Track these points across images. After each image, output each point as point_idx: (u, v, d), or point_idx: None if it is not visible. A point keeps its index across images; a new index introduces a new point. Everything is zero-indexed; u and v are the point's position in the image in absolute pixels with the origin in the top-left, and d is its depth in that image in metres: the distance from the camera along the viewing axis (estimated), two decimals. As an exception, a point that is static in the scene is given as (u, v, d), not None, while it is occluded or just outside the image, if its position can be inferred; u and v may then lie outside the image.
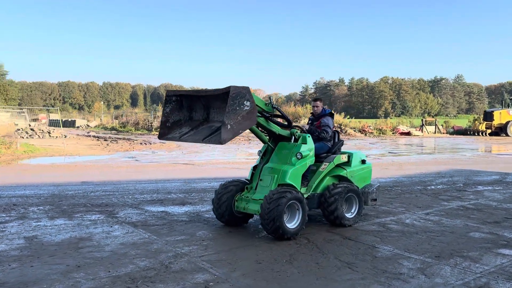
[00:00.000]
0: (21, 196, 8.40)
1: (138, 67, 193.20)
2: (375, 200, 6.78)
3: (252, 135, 6.09)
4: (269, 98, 5.80)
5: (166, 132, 5.61)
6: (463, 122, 51.34)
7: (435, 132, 41.31)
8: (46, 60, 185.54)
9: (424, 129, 40.77)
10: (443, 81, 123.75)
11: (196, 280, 4.08)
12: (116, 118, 56.36)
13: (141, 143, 24.91)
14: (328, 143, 6.57)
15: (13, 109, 38.61)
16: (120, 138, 29.70)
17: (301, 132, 6.10)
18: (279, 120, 6.04)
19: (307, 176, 6.15)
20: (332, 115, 6.77)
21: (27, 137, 26.27)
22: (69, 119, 58.32)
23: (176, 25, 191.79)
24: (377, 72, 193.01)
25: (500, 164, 16.05)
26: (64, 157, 17.38)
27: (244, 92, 4.91)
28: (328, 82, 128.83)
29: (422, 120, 45.04)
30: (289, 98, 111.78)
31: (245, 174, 6.27)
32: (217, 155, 18.56)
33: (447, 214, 7.09)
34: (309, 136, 6.00)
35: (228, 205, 5.94)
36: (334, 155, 6.45)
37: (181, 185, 10.10)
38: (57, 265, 4.48)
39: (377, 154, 19.80)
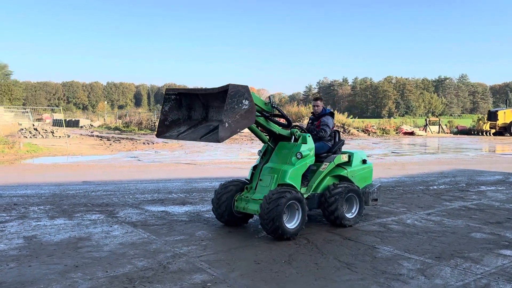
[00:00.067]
0: (22, 196, 8.42)
1: (141, 67, 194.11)
2: (376, 200, 6.74)
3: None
4: (269, 98, 5.77)
5: (164, 130, 5.59)
6: (467, 122, 51.16)
7: (438, 132, 41.15)
8: (47, 60, 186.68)
9: (428, 129, 40.61)
10: (447, 80, 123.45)
11: (193, 281, 4.06)
12: (119, 118, 56.51)
13: (144, 143, 24.92)
14: (328, 143, 6.54)
15: (17, 109, 38.69)
16: (123, 138, 29.71)
17: (301, 132, 6.07)
18: (280, 120, 6.01)
19: (307, 176, 6.12)
20: (332, 115, 6.73)
21: (30, 137, 26.32)
22: (73, 119, 58.47)
23: (176, 25, 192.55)
24: (380, 72, 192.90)
25: (504, 164, 15.95)
26: (66, 156, 17.43)
27: (243, 91, 4.88)
28: (332, 81, 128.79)
29: (425, 120, 44.85)
30: (292, 98, 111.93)
31: (247, 174, 6.24)
32: (219, 155, 18.54)
33: (448, 215, 7.04)
34: (309, 136, 5.97)
35: (228, 205, 5.92)
36: (334, 155, 6.41)
37: (182, 184, 10.09)
38: (55, 265, 4.47)
39: (380, 154, 19.73)
